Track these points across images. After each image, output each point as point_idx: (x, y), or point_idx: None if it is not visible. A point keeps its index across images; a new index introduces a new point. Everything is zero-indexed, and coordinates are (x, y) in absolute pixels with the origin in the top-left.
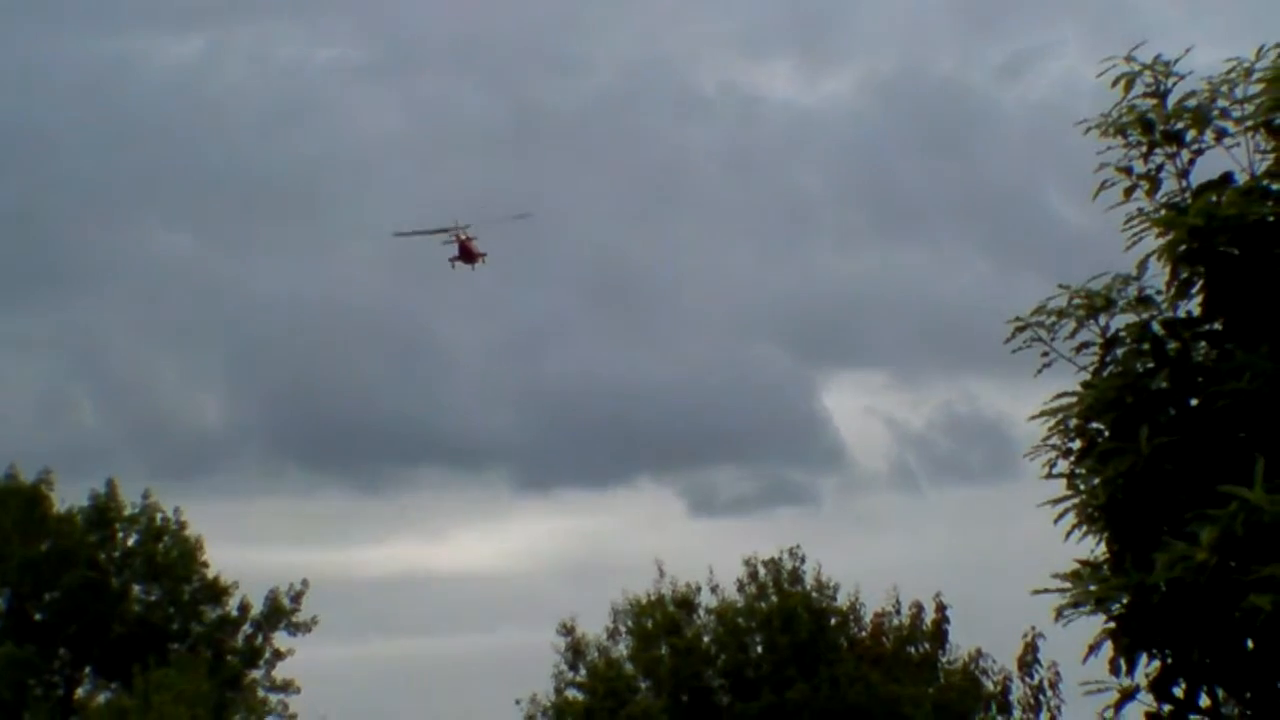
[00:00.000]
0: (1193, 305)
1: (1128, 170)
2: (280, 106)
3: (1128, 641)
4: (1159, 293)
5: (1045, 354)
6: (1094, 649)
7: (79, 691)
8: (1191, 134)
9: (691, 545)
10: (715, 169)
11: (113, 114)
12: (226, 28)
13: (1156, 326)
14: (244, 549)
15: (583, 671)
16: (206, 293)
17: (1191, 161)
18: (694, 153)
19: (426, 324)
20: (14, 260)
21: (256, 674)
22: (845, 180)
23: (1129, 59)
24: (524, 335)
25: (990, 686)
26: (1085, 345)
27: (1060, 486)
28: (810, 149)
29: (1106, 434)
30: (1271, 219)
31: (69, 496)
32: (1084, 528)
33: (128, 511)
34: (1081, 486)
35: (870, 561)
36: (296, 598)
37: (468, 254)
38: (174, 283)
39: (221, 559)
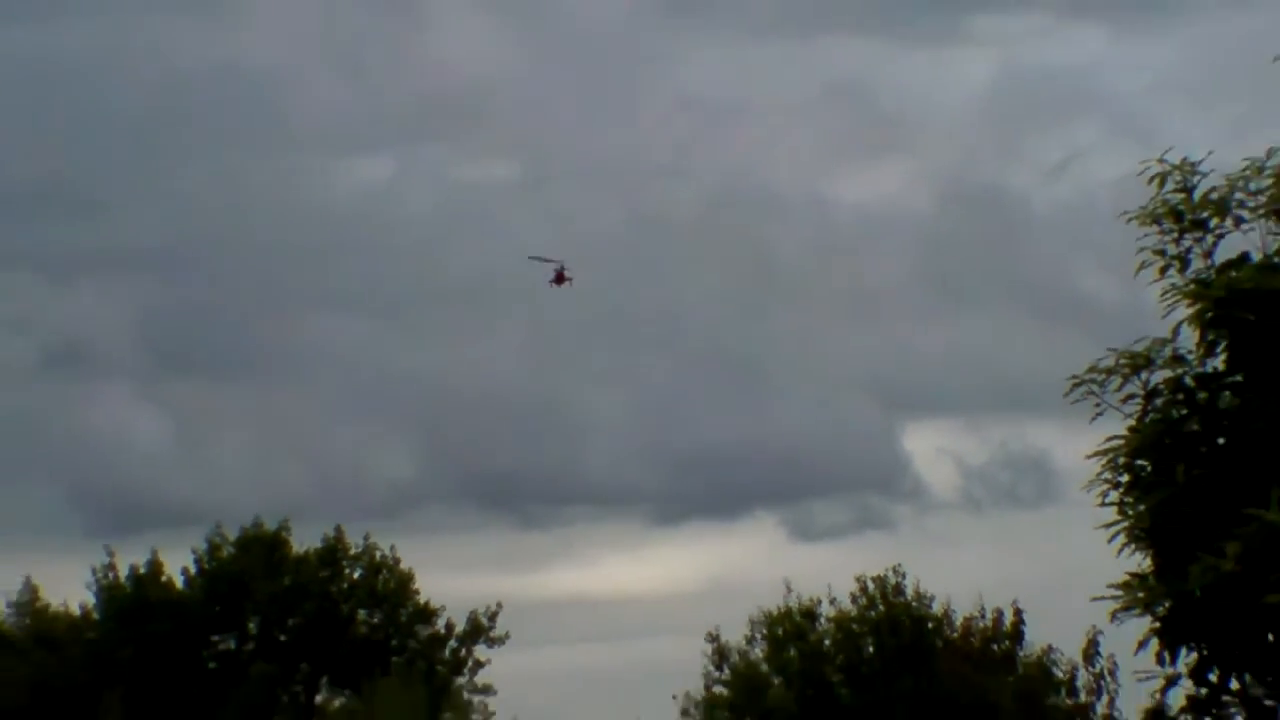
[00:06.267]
0: (1218, 362)
1: (1162, 253)
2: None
3: (1170, 638)
4: (1190, 352)
5: (1097, 405)
6: (1143, 644)
7: (318, 698)
8: (1214, 221)
9: (800, 566)
10: (801, 262)
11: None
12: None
13: (1189, 380)
14: (438, 577)
15: (726, 672)
16: (386, 375)
17: (1215, 244)
18: (781, 248)
19: (572, 395)
20: (220, 350)
21: (461, 680)
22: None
23: (1161, 160)
24: (655, 402)
25: (1060, 675)
26: (1130, 397)
27: (1111, 512)
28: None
29: (1149, 469)
30: None
31: (303, 540)
32: (1132, 546)
33: (352, 551)
34: (1129, 512)
35: (947, 574)
36: (492, 617)
37: (559, 278)
38: (357, 368)
39: (425, 586)
